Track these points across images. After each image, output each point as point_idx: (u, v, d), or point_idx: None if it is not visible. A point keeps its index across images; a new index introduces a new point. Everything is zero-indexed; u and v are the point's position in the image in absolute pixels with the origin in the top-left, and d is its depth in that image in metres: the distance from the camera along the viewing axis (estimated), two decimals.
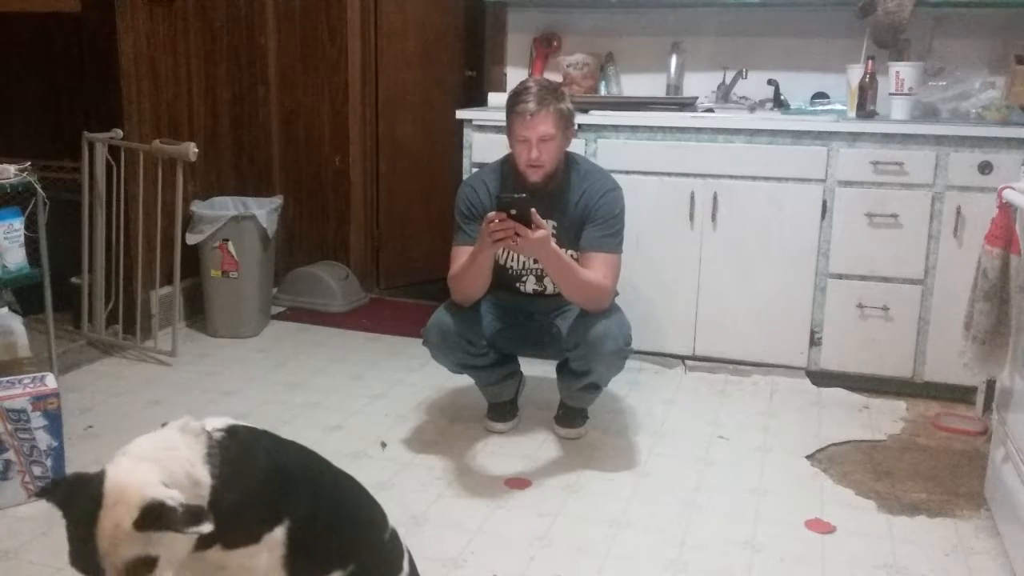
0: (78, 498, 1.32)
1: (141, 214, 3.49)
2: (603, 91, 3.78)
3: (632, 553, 2.17)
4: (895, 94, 3.22)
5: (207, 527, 1.28)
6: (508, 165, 2.69)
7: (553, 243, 2.43)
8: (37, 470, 2.34)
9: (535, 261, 2.61)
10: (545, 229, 2.36)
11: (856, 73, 3.30)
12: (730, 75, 3.58)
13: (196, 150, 3.27)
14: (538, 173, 2.57)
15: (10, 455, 2.30)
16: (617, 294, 2.69)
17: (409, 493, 2.44)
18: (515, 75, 3.87)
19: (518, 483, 2.51)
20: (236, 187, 4.06)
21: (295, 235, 4.43)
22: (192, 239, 3.63)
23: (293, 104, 4.33)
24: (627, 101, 3.55)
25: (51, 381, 2.42)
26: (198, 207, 3.72)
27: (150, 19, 3.56)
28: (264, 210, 3.74)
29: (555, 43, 3.86)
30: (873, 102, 3.29)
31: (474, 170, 3.17)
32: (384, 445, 2.74)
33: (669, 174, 3.26)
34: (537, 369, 3.13)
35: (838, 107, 3.40)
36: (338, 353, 3.61)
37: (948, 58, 3.39)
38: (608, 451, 2.74)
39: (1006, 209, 2.18)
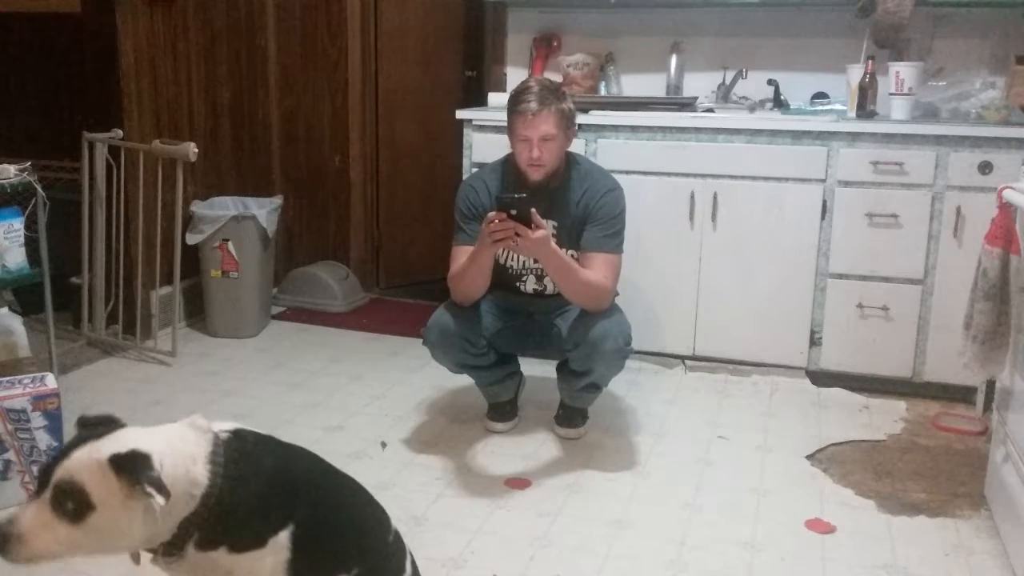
0: (90, 429, 1.40)
1: (141, 214, 3.49)
2: (603, 91, 3.78)
3: (632, 553, 2.17)
4: (895, 94, 3.22)
5: (160, 500, 1.27)
6: (509, 164, 2.69)
7: (553, 243, 2.44)
8: (37, 470, 2.34)
9: (535, 261, 2.61)
10: (545, 229, 2.36)
11: (856, 73, 3.30)
12: (730, 75, 3.59)
13: (196, 150, 3.27)
14: (539, 172, 2.57)
15: (10, 455, 2.30)
16: (617, 294, 2.69)
17: (409, 493, 2.44)
18: (515, 75, 3.87)
19: (518, 483, 2.51)
20: (236, 187, 4.06)
21: (295, 235, 4.43)
22: (192, 239, 3.63)
23: (293, 104, 4.33)
24: (627, 101, 3.55)
25: (51, 381, 2.42)
26: (198, 207, 3.72)
27: (150, 19, 3.56)
28: (264, 210, 3.74)
29: (555, 43, 3.86)
30: (873, 102, 3.29)
31: (474, 170, 3.17)
32: (384, 445, 2.74)
33: (669, 174, 3.26)
34: (537, 369, 3.13)
35: (838, 107, 3.40)
36: (338, 353, 3.61)
37: (948, 58, 3.39)
38: (608, 451, 2.74)
39: (1006, 209, 2.18)
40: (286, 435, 2.84)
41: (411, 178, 4.59)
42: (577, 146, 3.12)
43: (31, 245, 2.92)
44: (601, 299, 2.56)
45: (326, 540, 1.49)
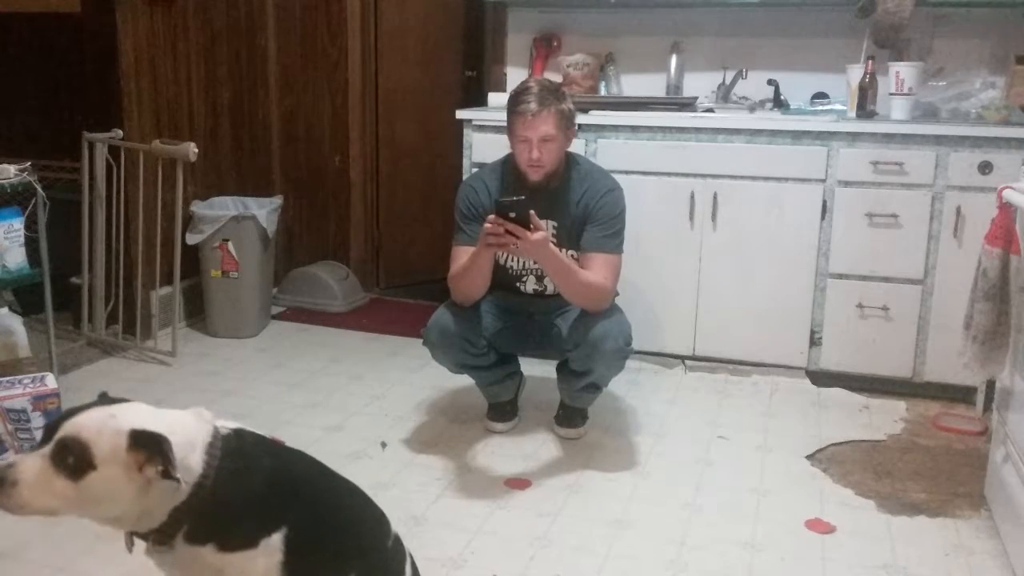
0: (103, 400, 1.44)
1: (141, 214, 3.49)
2: (603, 91, 3.78)
3: (632, 553, 2.17)
4: (895, 94, 3.21)
5: (176, 482, 1.30)
6: (508, 165, 2.69)
7: (552, 245, 2.44)
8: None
9: (535, 261, 2.62)
10: (544, 231, 2.36)
11: (856, 73, 3.30)
12: (730, 75, 3.59)
13: (196, 150, 3.27)
14: (539, 173, 2.57)
15: (10, 455, 2.30)
16: (617, 294, 2.69)
17: (409, 493, 2.44)
18: (515, 75, 3.87)
19: (518, 483, 2.51)
20: (236, 187, 4.06)
21: (295, 235, 4.43)
22: (192, 239, 3.63)
23: (293, 104, 4.33)
24: (627, 101, 3.55)
25: (51, 381, 2.42)
26: (198, 207, 3.72)
27: (150, 19, 3.56)
28: (264, 210, 3.74)
29: (555, 43, 3.86)
30: (873, 102, 3.29)
31: (474, 170, 3.17)
32: (384, 445, 2.74)
33: (669, 174, 3.26)
34: (537, 369, 3.13)
35: (838, 107, 3.40)
36: (338, 353, 3.61)
37: (948, 58, 3.39)
38: (608, 451, 2.74)
39: (1006, 209, 2.18)
40: (286, 435, 2.86)
41: (411, 178, 4.59)
42: (577, 146, 3.12)
43: (31, 245, 2.92)
44: (601, 299, 2.56)
45: (322, 543, 1.49)
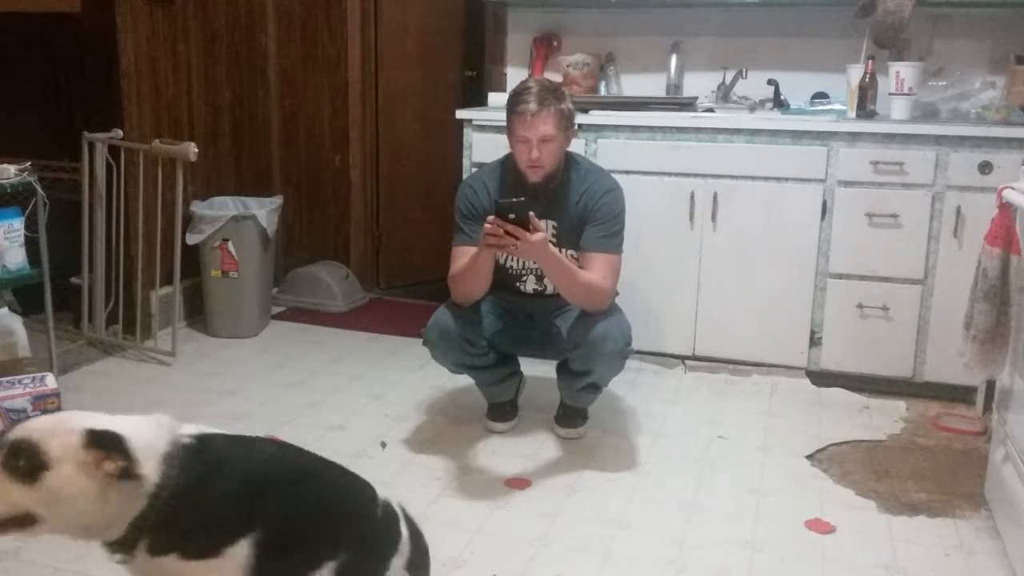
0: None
1: (141, 214, 3.49)
2: (603, 91, 3.78)
3: (632, 553, 2.17)
4: (895, 94, 3.22)
5: (137, 480, 1.28)
6: (508, 165, 2.69)
7: (552, 246, 2.44)
8: None
9: (535, 262, 2.61)
10: (543, 232, 2.36)
11: (856, 73, 3.30)
12: (730, 75, 3.58)
13: (196, 150, 3.27)
14: (538, 173, 2.57)
15: None
16: (617, 294, 2.69)
17: (409, 493, 2.44)
18: (515, 75, 3.87)
19: (518, 483, 2.51)
20: (236, 187, 4.06)
21: (295, 235, 4.43)
22: (192, 239, 3.63)
23: (293, 104, 4.33)
24: (627, 101, 3.55)
25: (51, 381, 2.43)
26: (198, 207, 3.72)
27: (150, 19, 3.56)
28: (264, 210, 3.74)
29: (555, 43, 3.86)
30: (873, 102, 3.29)
31: (474, 170, 3.17)
32: (384, 445, 2.74)
33: (669, 174, 3.26)
34: (537, 369, 3.13)
35: (838, 107, 3.40)
36: (338, 353, 3.61)
37: (948, 58, 3.39)
38: (608, 451, 2.73)
39: (1006, 209, 2.18)
40: (286, 435, 2.87)
41: (411, 178, 4.59)
42: (577, 146, 3.12)
43: (31, 245, 2.93)
44: (601, 300, 2.56)
45: (292, 543, 1.45)
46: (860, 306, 3.15)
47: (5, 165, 2.84)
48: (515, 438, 2.81)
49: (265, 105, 4.27)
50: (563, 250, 2.59)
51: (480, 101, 3.83)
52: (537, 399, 3.04)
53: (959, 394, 3.11)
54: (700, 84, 3.66)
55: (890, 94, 3.23)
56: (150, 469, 1.33)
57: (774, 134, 3.15)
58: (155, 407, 3.13)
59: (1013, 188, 2.18)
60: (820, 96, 3.52)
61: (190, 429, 1.46)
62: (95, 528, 1.34)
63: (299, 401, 3.08)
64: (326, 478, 1.59)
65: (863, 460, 2.70)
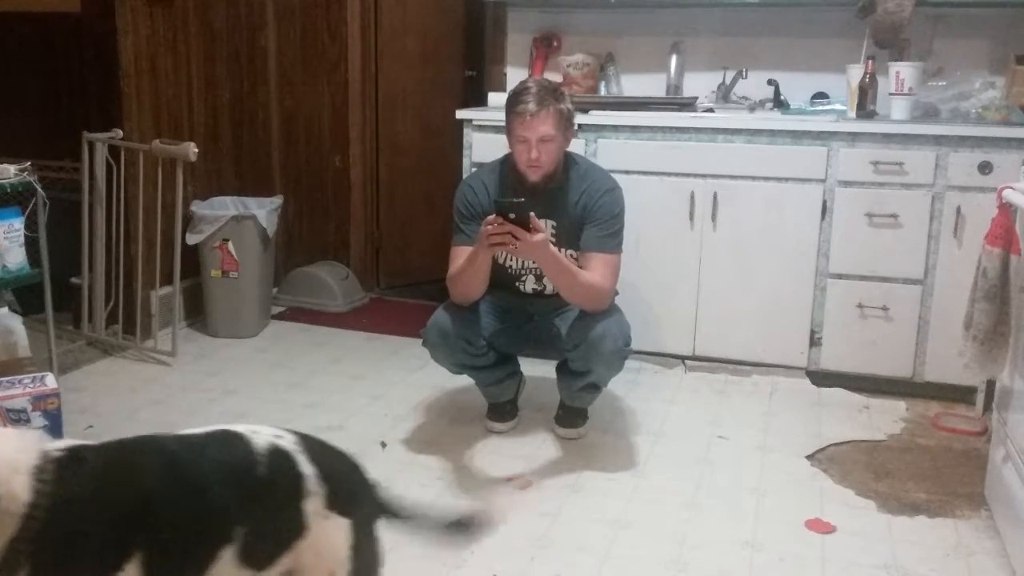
0: None
1: (141, 214, 3.49)
2: (603, 91, 3.77)
3: (632, 553, 2.17)
4: (895, 94, 3.21)
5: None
6: (507, 165, 2.69)
7: (552, 247, 2.43)
8: None
9: (534, 262, 2.61)
10: (544, 232, 2.36)
11: (856, 73, 3.30)
12: (730, 75, 3.58)
13: (196, 150, 3.27)
14: (537, 173, 2.57)
15: None
16: (617, 294, 2.69)
17: (409, 493, 2.42)
18: (515, 75, 3.87)
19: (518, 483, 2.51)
20: (236, 187, 4.06)
21: (295, 235, 4.43)
22: (192, 239, 3.63)
23: (293, 104, 4.33)
24: (627, 101, 3.55)
25: (51, 381, 2.42)
26: (198, 207, 3.72)
27: (150, 19, 3.56)
28: (264, 210, 3.74)
29: (555, 43, 3.86)
30: (873, 102, 3.29)
31: (474, 170, 3.16)
32: (384, 445, 2.74)
33: (669, 174, 3.26)
34: (537, 369, 3.13)
35: (838, 107, 3.40)
36: (338, 353, 3.61)
37: (948, 58, 3.39)
38: (608, 451, 2.73)
39: (1006, 209, 2.18)
40: None
41: (411, 178, 4.59)
42: (577, 146, 3.12)
43: (31, 245, 2.92)
44: (600, 300, 2.56)
45: (185, 551, 1.32)
46: (860, 306, 3.15)
47: (5, 165, 2.84)
48: (515, 438, 2.81)
49: (265, 105, 4.27)
50: (562, 250, 2.59)
51: (480, 101, 3.83)
52: (537, 399, 3.04)
53: (959, 394, 3.11)
54: (700, 84, 3.66)
55: (890, 94, 3.23)
56: (19, 486, 1.22)
57: (774, 134, 3.15)
58: (155, 407, 3.15)
59: (1013, 188, 2.18)
60: (820, 96, 3.52)
61: (62, 443, 1.33)
62: None
63: (299, 401, 3.08)
64: (195, 468, 1.40)
65: (863, 460, 2.70)
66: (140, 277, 3.50)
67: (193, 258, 3.69)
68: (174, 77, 3.72)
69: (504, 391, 2.85)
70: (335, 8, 4.22)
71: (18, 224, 2.86)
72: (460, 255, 2.58)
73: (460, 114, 3.48)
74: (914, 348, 3.13)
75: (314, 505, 1.39)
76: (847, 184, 3.11)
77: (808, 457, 2.71)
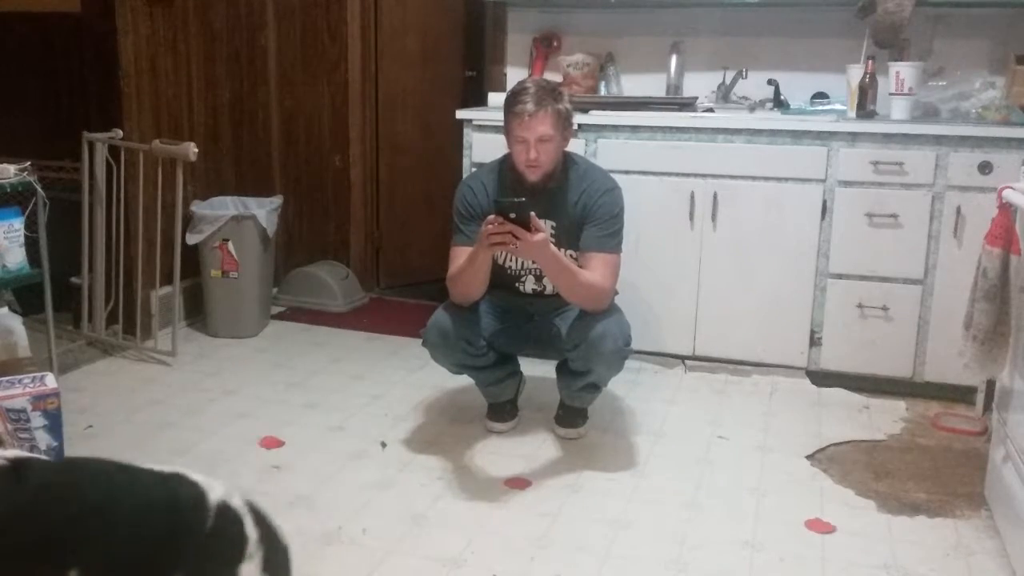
0: None
1: (141, 214, 3.49)
2: (603, 91, 3.77)
3: (632, 553, 2.17)
4: (895, 94, 3.22)
5: None
6: (506, 165, 2.69)
7: (552, 246, 2.43)
8: None
9: (534, 261, 2.61)
10: (544, 232, 2.36)
11: (856, 73, 3.30)
12: (730, 75, 3.58)
13: (196, 150, 3.27)
14: (536, 173, 2.57)
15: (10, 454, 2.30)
16: (617, 293, 2.69)
17: (409, 493, 2.44)
18: (515, 75, 3.87)
19: (518, 483, 2.51)
20: (236, 187, 4.06)
21: (295, 235, 4.43)
22: (192, 239, 3.63)
23: (293, 104, 4.33)
24: (627, 101, 3.55)
25: (51, 381, 2.42)
26: (198, 207, 3.72)
27: (150, 19, 3.56)
28: (264, 210, 3.74)
29: (555, 43, 3.86)
30: (873, 102, 3.30)
31: (473, 170, 3.16)
32: (384, 445, 2.74)
33: (669, 174, 3.26)
34: (537, 369, 3.13)
35: (838, 107, 3.40)
36: (338, 353, 3.61)
37: (948, 58, 3.39)
38: (608, 451, 2.73)
39: (1006, 209, 2.18)
40: (286, 435, 2.87)
41: (411, 178, 4.59)
42: (577, 146, 3.13)
43: (31, 245, 2.92)
44: (600, 299, 2.56)
45: None
46: (860, 306, 3.15)
47: (5, 165, 2.84)
48: (515, 438, 2.81)
49: (265, 105, 4.27)
50: (562, 250, 2.59)
51: (480, 101, 3.83)
52: (537, 399, 3.04)
53: (959, 394, 3.11)
54: (700, 84, 3.66)
55: (890, 94, 3.23)
56: None
57: (774, 134, 3.15)
58: (155, 407, 3.15)
59: (1013, 188, 2.18)
60: (820, 96, 3.52)
61: (9, 453, 1.31)
62: None
63: (299, 401, 3.08)
64: (142, 499, 1.40)
65: (863, 460, 2.70)
66: (140, 277, 3.50)
67: (193, 258, 3.69)
68: (174, 77, 3.72)
69: (504, 391, 2.85)
70: (335, 8, 4.22)
71: (18, 224, 2.86)
72: (460, 255, 2.58)
73: (460, 114, 3.48)
74: (914, 348, 3.13)
75: (250, 569, 1.40)
76: (847, 184, 3.11)
77: (808, 457, 2.71)
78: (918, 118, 3.23)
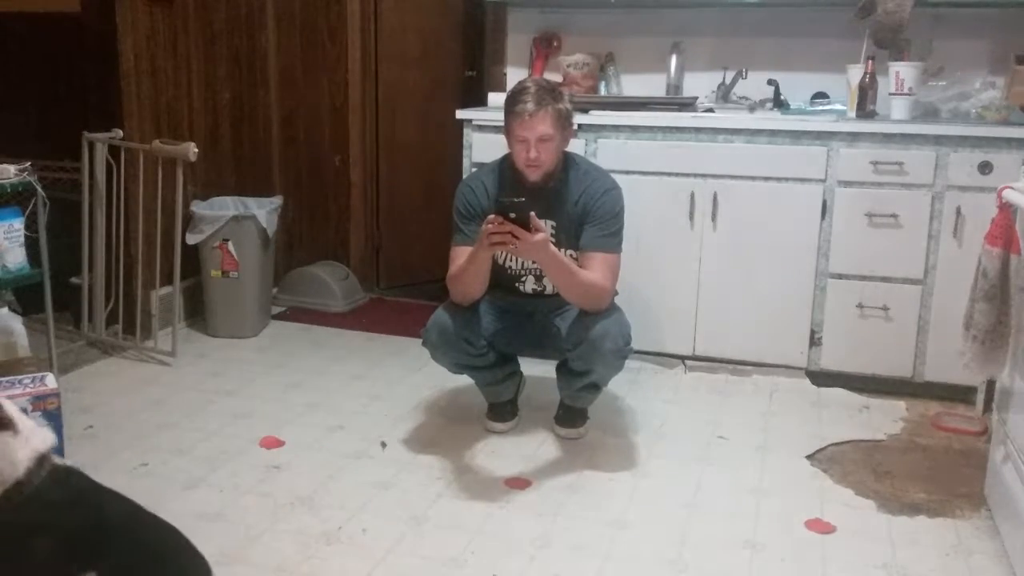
0: None
1: (141, 214, 3.49)
2: (603, 91, 3.78)
3: (632, 553, 2.17)
4: (895, 94, 3.22)
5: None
6: (507, 164, 2.69)
7: (552, 246, 2.43)
8: None
9: (534, 262, 2.61)
10: (544, 232, 2.36)
11: (856, 73, 3.30)
12: (730, 75, 3.58)
13: (196, 150, 3.27)
14: (537, 173, 2.57)
15: None
16: (617, 293, 2.69)
17: (409, 493, 2.44)
18: (515, 75, 3.87)
19: (518, 483, 2.51)
20: (236, 187, 4.06)
21: (295, 235, 4.43)
22: (192, 239, 3.63)
23: (293, 104, 4.33)
24: (627, 101, 3.55)
25: (51, 381, 2.42)
26: (198, 207, 3.72)
27: (150, 19, 3.56)
28: (264, 210, 3.74)
29: (555, 43, 3.86)
30: (873, 102, 3.29)
31: (474, 170, 3.17)
32: (384, 445, 2.74)
33: (669, 174, 3.26)
34: (537, 369, 3.13)
35: (838, 107, 3.40)
36: (338, 353, 3.61)
37: (948, 58, 3.39)
38: (608, 451, 2.73)
39: (1006, 209, 2.18)
40: (286, 435, 2.87)
41: (411, 178, 4.59)
42: (577, 146, 3.13)
43: (31, 245, 2.92)
44: (600, 299, 2.56)
45: None
46: (860, 306, 3.15)
47: (5, 165, 2.84)
48: (515, 438, 2.81)
49: (265, 105, 4.27)
50: (562, 250, 2.59)
51: (480, 101, 3.83)
52: (537, 399, 3.04)
53: (959, 394, 3.11)
54: (700, 84, 3.66)
55: (890, 94, 3.23)
56: (20, 460, 1.28)
57: (774, 134, 3.15)
58: (155, 407, 3.15)
59: (1013, 188, 2.18)
60: (820, 96, 3.52)
61: (62, 460, 1.38)
62: None
63: (299, 401, 3.08)
64: (162, 528, 1.49)
65: (863, 460, 2.70)
66: (140, 277, 3.50)
67: (193, 258, 3.69)
68: (174, 77, 3.72)
69: (504, 391, 2.85)
70: (335, 8, 4.22)
71: (18, 224, 2.87)
72: (460, 255, 2.58)
73: (460, 114, 3.48)
74: (914, 348, 3.13)
75: None
76: (847, 184, 3.11)
77: (808, 457, 2.71)
78: (918, 118, 3.23)
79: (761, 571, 2.10)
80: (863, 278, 3.15)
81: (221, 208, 3.79)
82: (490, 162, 2.81)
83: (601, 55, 3.78)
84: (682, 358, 3.41)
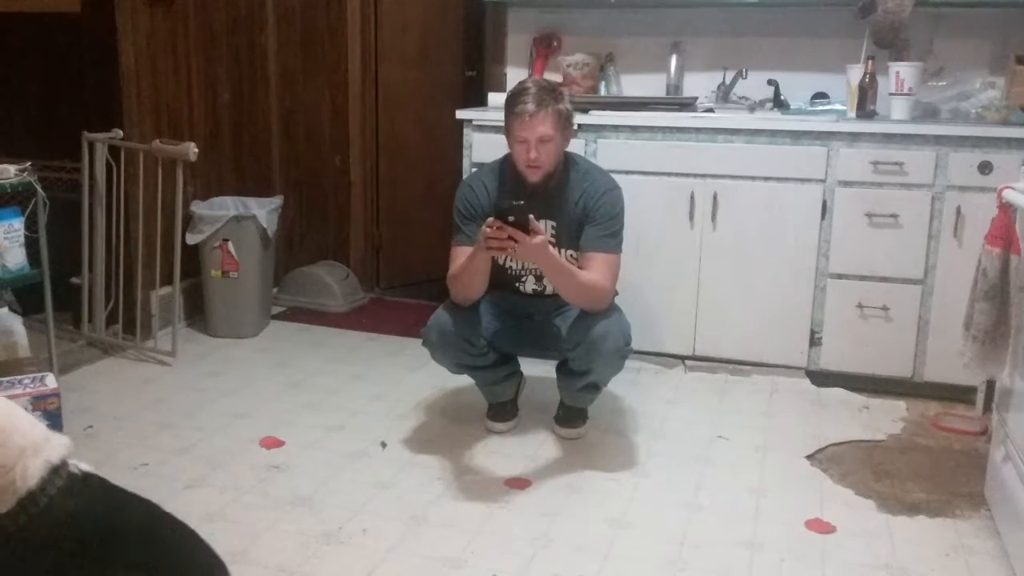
0: None
1: (141, 214, 3.49)
2: (603, 91, 3.77)
3: (632, 553, 2.17)
4: (895, 94, 3.22)
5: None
6: (507, 165, 2.69)
7: (551, 249, 2.43)
8: None
9: (534, 263, 2.61)
10: (543, 235, 2.36)
11: (856, 73, 3.30)
12: (730, 75, 3.58)
13: (196, 150, 3.27)
14: (537, 173, 2.57)
15: None
16: (617, 294, 2.69)
17: (409, 493, 2.44)
18: (515, 75, 3.87)
19: (518, 483, 2.51)
20: (236, 187, 4.06)
21: (295, 235, 4.43)
22: (192, 239, 3.63)
23: (293, 104, 4.33)
24: (627, 101, 3.55)
25: (51, 381, 2.42)
26: (198, 207, 3.72)
27: (150, 19, 3.56)
28: (264, 210, 3.74)
29: (555, 43, 3.86)
30: (873, 102, 3.30)
31: (473, 170, 3.17)
32: (384, 445, 2.74)
33: (669, 174, 3.26)
34: (537, 369, 3.13)
35: (838, 107, 3.40)
36: (338, 353, 3.61)
37: (948, 58, 3.39)
38: (608, 451, 2.73)
39: (1006, 209, 2.18)
40: (286, 435, 2.87)
41: (411, 178, 4.59)
42: (577, 146, 3.13)
43: (31, 245, 2.92)
44: (600, 300, 2.56)
45: None
46: (860, 306, 3.16)
47: (5, 165, 2.84)
48: (515, 438, 2.81)
49: (265, 105, 4.27)
50: (562, 250, 2.59)
51: (480, 101, 3.83)
52: (537, 399, 3.04)
53: (959, 394, 3.10)
54: (700, 84, 3.66)
55: (890, 94, 3.24)
56: (32, 470, 1.27)
57: (774, 134, 3.15)
58: (155, 407, 3.15)
59: (1013, 188, 2.18)
60: (820, 96, 3.53)
61: (82, 464, 1.38)
62: None
63: (299, 401, 3.08)
64: (180, 530, 1.51)
65: (863, 460, 2.70)
66: (140, 277, 3.50)
67: (193, 258, 3.69)
68: (174, 77, 3.72)
69: (504, 391, 2.85)
70: (335, 8, 4.22)
71: (18, 224, 2.87)
72: (460, 255, 2.58)
73: (460, 114, 3.48)
74: (914, 348, 3.13)
75: None
76: (847, 184, 3.11)
77: (808, 457, 2.71)
78: (918, 118, 3.23)
79: (761, 571, 2.11)
80: (863, 278, 3.15)
81: (221, 208, 3.78)
82: (490, 162, 2.81)
83: (601, 55, 3.78)
84: (682, 358, 3.41)
